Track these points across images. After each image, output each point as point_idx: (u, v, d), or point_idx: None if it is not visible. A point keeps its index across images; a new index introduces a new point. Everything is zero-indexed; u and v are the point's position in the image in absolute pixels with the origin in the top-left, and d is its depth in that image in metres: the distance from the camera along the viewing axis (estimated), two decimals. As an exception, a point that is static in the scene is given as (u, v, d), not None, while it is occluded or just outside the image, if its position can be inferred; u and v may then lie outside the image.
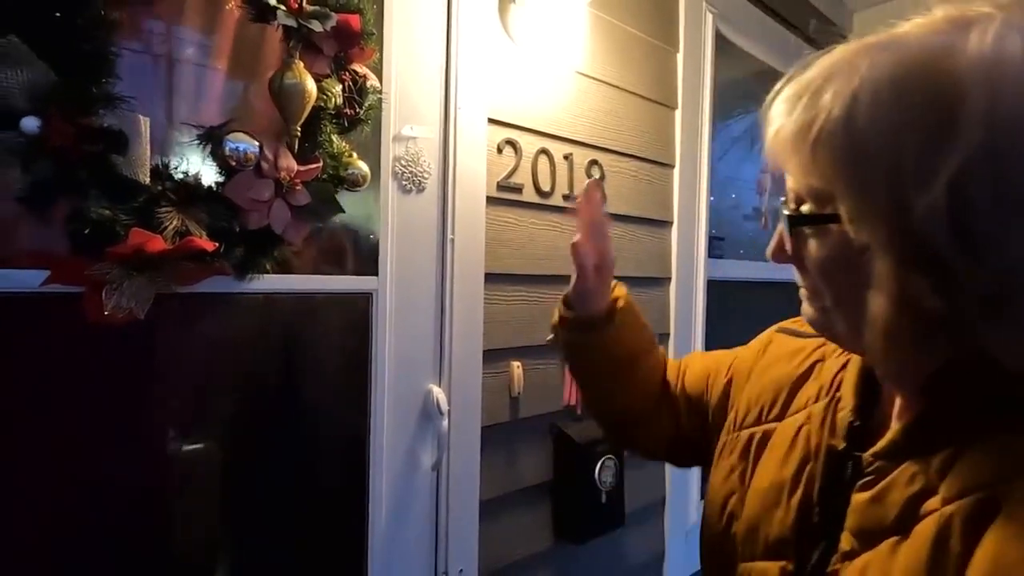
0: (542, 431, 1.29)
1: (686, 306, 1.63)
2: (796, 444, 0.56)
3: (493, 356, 1.18)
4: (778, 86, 0.49)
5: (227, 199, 0.75)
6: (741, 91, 2.13)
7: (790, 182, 0.48)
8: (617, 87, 1.40)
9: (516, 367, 1.22)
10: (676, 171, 1.59)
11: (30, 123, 0.63)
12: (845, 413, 0.54)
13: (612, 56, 1.39)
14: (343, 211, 0.88)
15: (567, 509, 1.29)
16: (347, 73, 0.85)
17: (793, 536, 0.53)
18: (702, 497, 1.70)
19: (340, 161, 0.86)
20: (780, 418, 0.61)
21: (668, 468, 1.60)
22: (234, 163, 0.74)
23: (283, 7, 0.76)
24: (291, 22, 0.77)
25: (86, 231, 0.64)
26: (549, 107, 1.26)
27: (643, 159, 1.49)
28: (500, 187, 1.18)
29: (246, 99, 0.87)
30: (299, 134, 0.80)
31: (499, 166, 1.18)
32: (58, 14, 0.65)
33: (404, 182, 1.03)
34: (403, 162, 1.02)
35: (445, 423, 1.05)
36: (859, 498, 0.48)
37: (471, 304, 1.12)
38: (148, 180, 0.67)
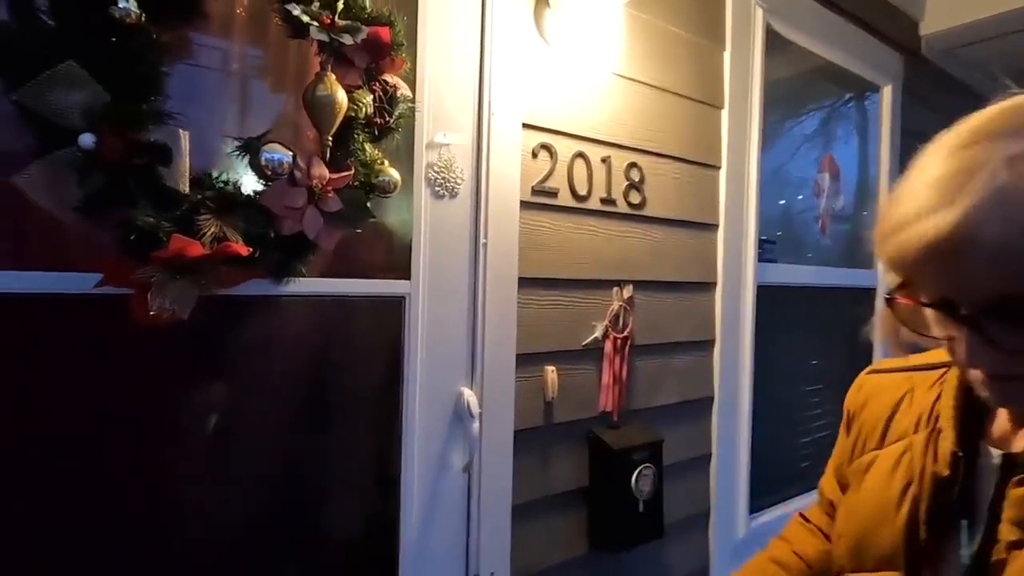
0: (577, 436, 1.28)
1: (733, 312, 1.57)
2: (898, 468, 0.62)
3: (527, 360, 1.18)
4: (893, 193, 0.48)
5: (263, 206, 0.79)
6: (809, 86, 2.04)
7: (956, 290, 0.46)
8: (657, 88, 1.38)
9: (550, 371, 1.21)
10: (722, 172, 1.54)
11: (86, 139, 0.68)
12: (947, 444, 0.59)
13: (652, 56, 1.37)
14: (374, 217, 0.91)
15: (602, 517, 1.27)
16: (378, 84, 0.88)
17: (903, 550, 0.59)
18: (751, 512, 1.64)
19: (372, 168, 0.89)
20: (880, 446, 0.67)
21: (713, 480, 1.55)
22: (270, 172, 0.78)
23: (316, 23, 0.80)
24: (323, 37, 0.80)
25: (132, 237, 0.69)
26: (586, 110, 1.25)
27: (686, 160, 1.46)
28: (535, 191, 1.18)
29: (284, 110, 0.91)
30: (331, 143, 0.84)
31: (534, 170, 1.18)
32: (114, 39, 0.71)
33: (437, 188, 1.05)
34: (436, 168, 1.05)
35: (476, 425, 1.06)
36: (1018, 492, 0.53)
37: (504, 308, 1.13)
38: (188, 190, 0.72)
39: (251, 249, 0.76)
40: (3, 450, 0.76)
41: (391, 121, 0.90)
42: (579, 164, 1.25)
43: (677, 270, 1.45)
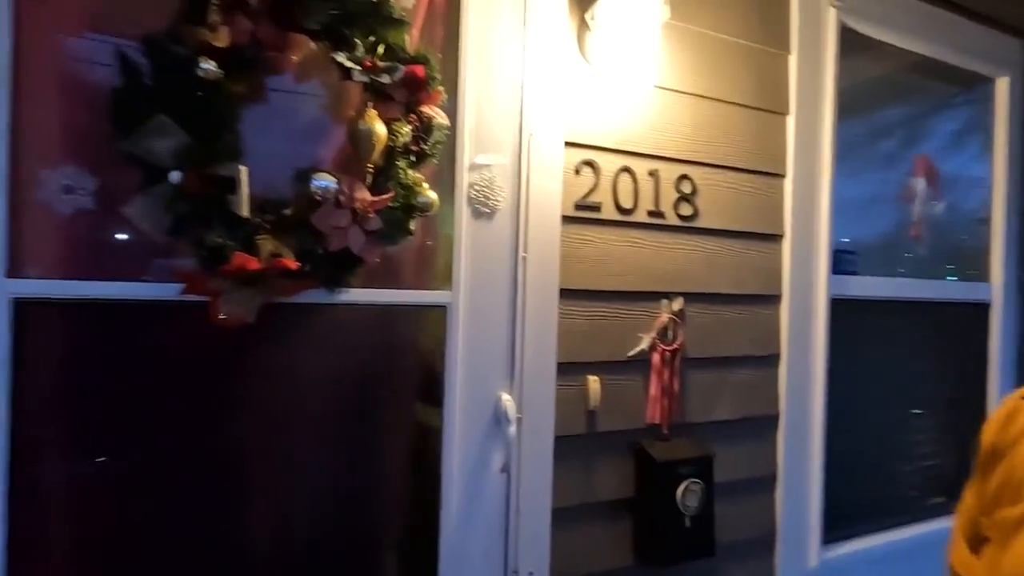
0: (623, 447, 1.29)
1: (802, 326, 1.50)
2: None
3: (569, 369, 1.22)
4: None
5: (313, 226, 0.92)
6: (903, 85, 1.89)
7: None
8: (709, 98, 1.37)
9: (593, 381, 1.24)
10: (788, 181, 1.48)
11: (174, 176, 0.84)
12: None
13: (703, 67, 1.36)
14: (412, 234, 1.01)
15: (647, 529, 1.27)
16: (416, 115, 0.99)
17: None
18: (826, 542, 1.54)
19: (411, 191, 0.99)
20: None
21: (780, 501, 1.48)
22: (319, 197, 0.91)
23: (358, 67, 0.91)
24: (364, 78, 0.92)
25: (205, 254, 0.84)
26: (630, 126, 1.28)
27: (744, 170, 1.42)
28: (578, 206, 1.23)
29: (339, 141, 1.04)
30: (371, 170, 0.95)
31: (577, 186, 1.23)
32: (198, 93, 0.87)
33: (478, 206, 1.13)
34: (476, 188, 1.13)
35: (513, 429, 1.12)
36: None
37: (544, 318, 1.18)
38: (249, 214, 0.86)
39: (301, 263, 0.89)
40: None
41: (428, 148, 1.00)
42: (624, 178, 1.28)
43: (735, 282, 1.42)
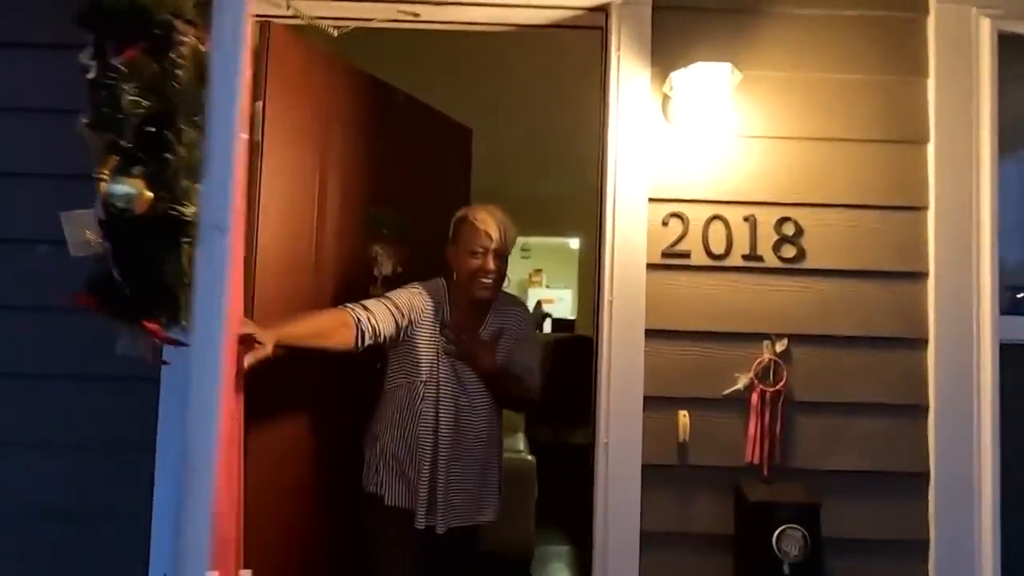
0: (719, 482, 1.33)
1: (958, 374, 1.33)
2: None
3: (656, 403, 1.33)
4: None
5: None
6: None
7: None
8: (814, 139, 1.37)
9: (682, 415, 1.33)
10: (931, 213, 1.35)
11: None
12: None
13: (809, 110, 1.37)
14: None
15: (743, 568, 1.28)
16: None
17: None
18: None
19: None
20: None
21: (933, 571, 1.30)
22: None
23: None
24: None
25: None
26: (719, 176, 1.36)
27: (865, 206, 1.36)
28: (665, 255, 1.35)
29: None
30: None
31: (664, 236, 1.35)
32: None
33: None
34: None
35: None
36: None
37: (630, 355, 1.32)
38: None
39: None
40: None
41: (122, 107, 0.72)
42: (716, 225, 1.36)
43: (857, 324, 1.35)
